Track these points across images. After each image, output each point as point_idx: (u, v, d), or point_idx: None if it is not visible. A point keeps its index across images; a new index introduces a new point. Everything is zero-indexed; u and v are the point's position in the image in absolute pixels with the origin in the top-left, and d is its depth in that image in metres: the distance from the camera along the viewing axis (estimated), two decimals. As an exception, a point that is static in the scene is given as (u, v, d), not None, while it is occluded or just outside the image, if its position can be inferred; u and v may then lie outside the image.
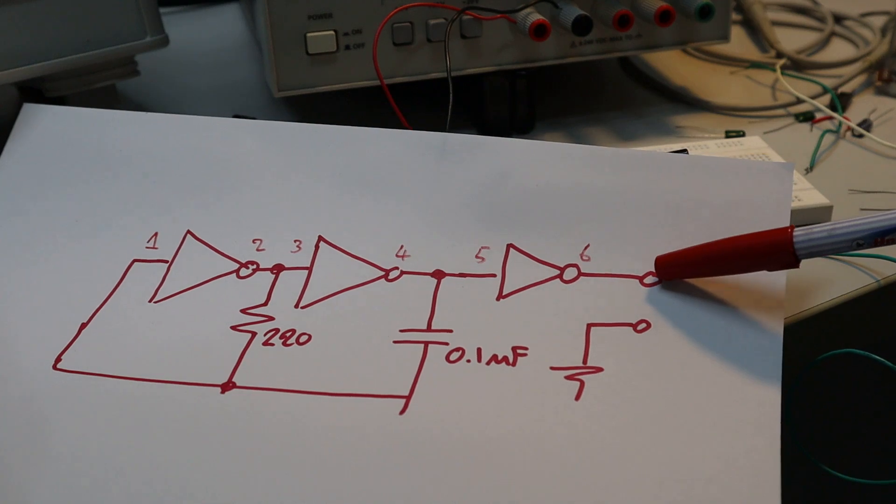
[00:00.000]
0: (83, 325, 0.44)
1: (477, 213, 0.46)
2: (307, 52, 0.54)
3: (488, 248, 0.45)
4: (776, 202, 0.42)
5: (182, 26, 0.81)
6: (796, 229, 0.37)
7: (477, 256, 0.45)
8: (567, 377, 0.39)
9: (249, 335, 0.43)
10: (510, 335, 0.41)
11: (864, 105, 0.64)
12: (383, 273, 0.45)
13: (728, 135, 0.61)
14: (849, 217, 0.38)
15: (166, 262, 0.47)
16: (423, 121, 0.52)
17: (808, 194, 0.51)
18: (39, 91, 0.58)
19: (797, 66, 0.70)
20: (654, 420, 0.37)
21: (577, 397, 0.38)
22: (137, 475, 0.37)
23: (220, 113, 0.65)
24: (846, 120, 0.61)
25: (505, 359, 0.40)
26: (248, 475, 0.36)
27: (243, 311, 0.44)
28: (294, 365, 0.41)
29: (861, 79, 0.68)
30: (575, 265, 0.43)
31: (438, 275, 0.44)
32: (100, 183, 0.50)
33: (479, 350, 0.41)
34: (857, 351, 0.43)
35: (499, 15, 0.55)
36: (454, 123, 0.52)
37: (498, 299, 0.43)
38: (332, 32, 0.54)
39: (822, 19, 0.78)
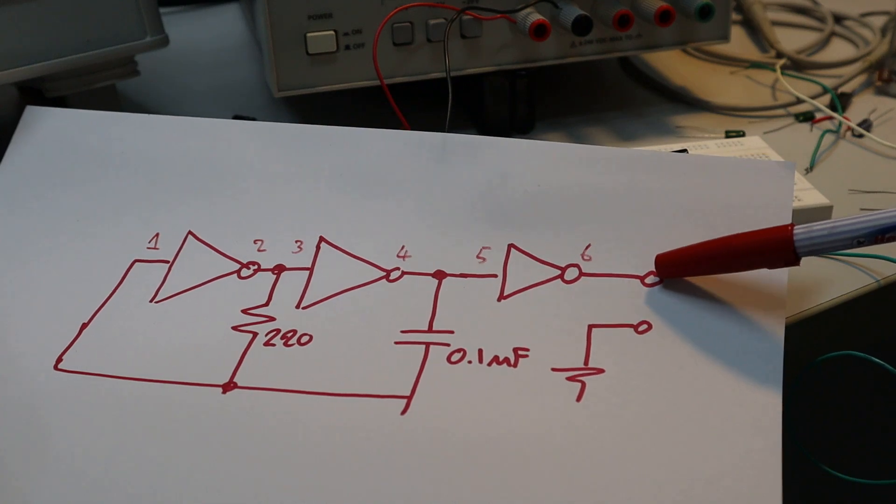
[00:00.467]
0: (84, 326, 0.44)
1: (478, 212, 0.46)
2: (307, 52, 0.54)
3: (489, 248, 0.45)
4: (778, 201, 0.42)
5: (182, 26, 0.81)
6: (797, 227, 0.37)
7: (478, 257, 0.45)
8: (568, 378, 0.39)
9: (250, 335, 0.43)
10: (511, 336, 0.41)
11: (864, 105, 0.65)
12: (384, 273, 0.45)
13: (728, 135, 0.61)
14: None
15: (167, 262, 0.47)
16: (423, 121, 0.52)
17: (808, 194, 0.51)
18: (39, 91, 0.58)
19: (797, 66, 0.70)
20: (654, 421, 0.37)
21: (579, 399, 0.38)
22: (138, 475, 0.37)
23: (220, 113, 0.65)
24: (846, 120, 0.61)
25: (506, 360, 0.40)
26: (249, 475, 0.36)
27: (244, 311, 0.44)
28: (295, 365, 0.41)
29: (861, 79, 0.68)
30: (576, 265, 0.43)
31: (439, 275, 0.44)
32: (101, 183, 0.50)
33: (480, 351, 0.41)
34: (857, 353, 0.43)
35: (499, 15, 0.55)
36: (454, 123, 0.52)
37: (499, 300, 0.43)
38: (332, 32, 0.54)
39: (822, 19, 0.78)
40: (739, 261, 0.39)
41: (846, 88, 0.66)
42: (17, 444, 0.38)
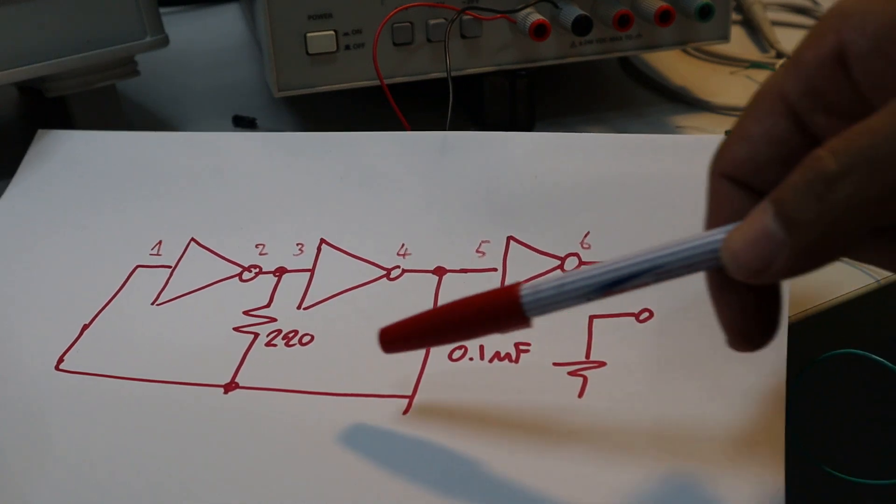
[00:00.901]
0: (85, 326, 0.44)
1: (476, 207, 0.46)
2: (307, 52, 0.54)
3: (488, 241, 0.45)
4: None
5: (182, 26, 0.81)
6: (524, 287, 0.34)
7: (477, 251, 0.45)
8: (570, 373, 0.39)
9: (252, 336, 0.43)
10: None
11: (863, 105, 0.64)
12: (385, 272, 0.45)
13: (728, 134, 0.61)
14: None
15: (170, 267, 0.47)
16: (423, 121, 0.52)
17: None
18: (39, 91, 0.58)
19: (797, 65, 0.70)
20: (656, 417, 0.37)
21: (581, 394, 0.38)
22: (139, 475, 0.37)
23: (220, 113, 0.65)
24: (846, 120, 0.61)
25: (507, 355, 0.40)
26: (250, 475, 0.36)
27: (246, 312, 0.44)
28: (297, 365, 0.41)
29: (860, 79, 0.68)
30: (576, 254, 0.43)
31: (440, 272, 0.44)
32: (106, 194, 0.51)
33: (481, 347, 0.41)
34: (858, 351, 0.43)
35: (499, 15, 0.55)
36: (454, 123, 0.52)
37: (499, 295, 0.43)
38: (332, 32, 0.54)
39: (821, 19, 0.77)
40: (469, 330, 0.36)
41: (846, 88, 0.66)
42: (17, 445, 0.38)
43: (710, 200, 0.33)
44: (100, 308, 0.45)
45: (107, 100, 0.60)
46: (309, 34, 0.54)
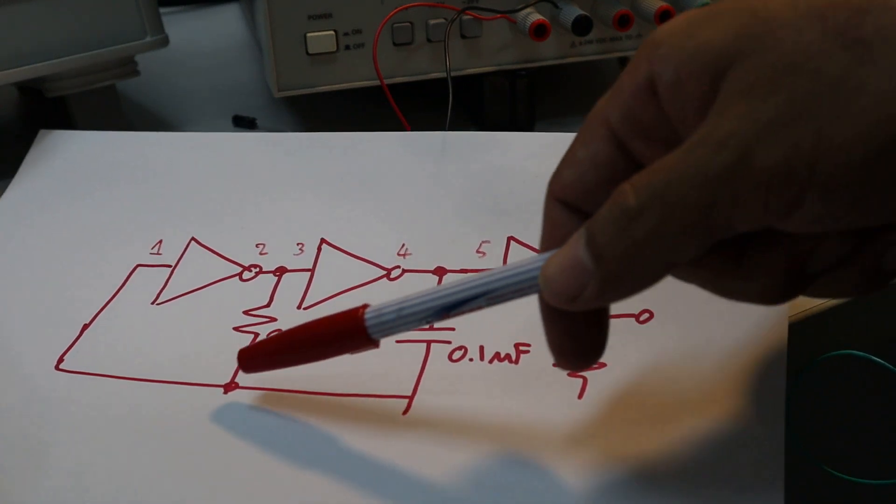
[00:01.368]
0: (85, 326, 0.44)
1: (477, 206, 0.46)
2: (307, 52, 0.54)
3: (489, 241, 0.45)
4: None
5: (182, 26, 0.81)
6: (368, 311, 0.35)
7: (478, 251, 0.45)
8: (570, 374, 0.39)
9: (252, 336, 0.43)
10: (512, 331, 0.41)
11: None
12: (385, 272, 0.45)
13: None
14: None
15: (170, 266, 0.47)
16: (423, 121, 0.52)
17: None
18: (39, 91, 0.58)
19: (796, 66, 0.70)
20: (655, 417, 0.37)
21: (580, 395, 0.38)
22: (139, 475, 0.37)
23: (220, 113, 0.65)
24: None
25: (507, 356, 0.40)
26: (251, 475, 0.36)
27: (246, 312, 0.44)
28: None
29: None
30: None
31: (440, 272, 0.44)
32: (106, 194, 0.51)
33: (481, 348, 0.41)
34: (858, 353, 0.43)
35: (499, 15, 0.55)
36: (454, 123, 0.52)
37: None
38: (332, 32, 0.54)
39: (821, 19, 0.77)
40: (320, 350, 0.37)
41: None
42: (17, 444, 0.38)
43: (544, 223, 0.33)
44: (100, 307, 0.45)
45: (107, 100, 0.60)
46: (309, 34, 0.54)
